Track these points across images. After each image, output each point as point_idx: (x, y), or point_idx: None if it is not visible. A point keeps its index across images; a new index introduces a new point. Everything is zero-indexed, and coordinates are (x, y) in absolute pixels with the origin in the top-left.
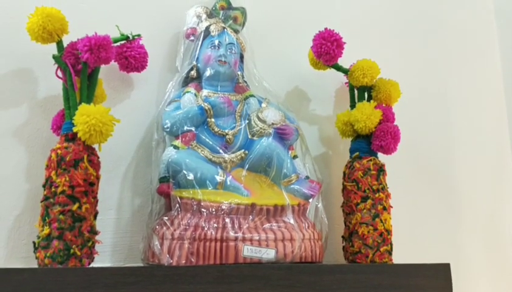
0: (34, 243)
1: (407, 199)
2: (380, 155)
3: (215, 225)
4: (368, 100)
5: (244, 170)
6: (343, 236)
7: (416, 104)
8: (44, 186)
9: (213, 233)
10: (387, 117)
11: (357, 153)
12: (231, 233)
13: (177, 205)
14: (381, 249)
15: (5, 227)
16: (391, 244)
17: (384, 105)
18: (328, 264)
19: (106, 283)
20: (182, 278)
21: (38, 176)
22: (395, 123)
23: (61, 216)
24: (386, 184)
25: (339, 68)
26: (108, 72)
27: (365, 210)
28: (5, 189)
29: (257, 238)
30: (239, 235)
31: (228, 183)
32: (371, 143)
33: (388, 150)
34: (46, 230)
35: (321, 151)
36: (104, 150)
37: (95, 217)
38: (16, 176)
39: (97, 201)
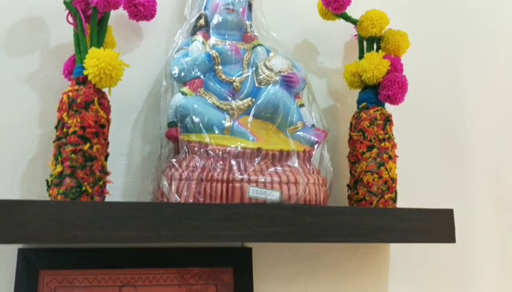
0: (47, 180)
1: (414, 150)
2: (387, 107)
3: (222, 167)
4: (377, 51)
5: (250, 117)
6: (348, 185)
7: (425, 56)
8: (56, 127)
9: (219, 174)
10: (395, 67)
11: (364, 103)
12: (237, 175)
13: (185, 148)
14: (385, 197)
15: (20, 170)
16: (395, 192)
17: (392, 56)
18: (331, 206)
19: (115, 217)
20: (190, 215)
21: (50, 122)
22: (403, 74)
23: (72, 155)
24: (392, 134)
25: (347, 18)
26: (118, 22)
27: (370, 159)
28: (19, 134)
29: (262, 180)
30: (245, 176)
31: (235, 128)
32: (378, 94)
33: (395, 100)
34: (58, 168)
35: (329, 104)
36: (114, 97)
37: (105, 158)
38: (29, 122)
39: (108, 143)
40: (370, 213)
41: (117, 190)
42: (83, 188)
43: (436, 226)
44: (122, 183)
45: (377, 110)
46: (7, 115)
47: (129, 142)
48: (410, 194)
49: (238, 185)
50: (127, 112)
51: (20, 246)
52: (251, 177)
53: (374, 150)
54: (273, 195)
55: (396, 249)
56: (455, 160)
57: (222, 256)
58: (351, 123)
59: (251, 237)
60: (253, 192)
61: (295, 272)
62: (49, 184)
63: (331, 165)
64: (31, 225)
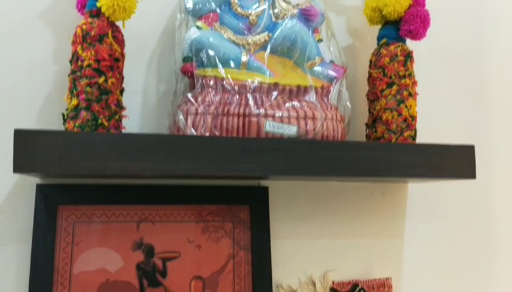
0: (63, 114)
1: (434, 88)
2: (409, 43)
3: (238, 101)
4: None
5: (267, 52)
6: (366, 124)
7: None
8: (70, 61)
9: (235, 108)
10: (417, 1)
11: (384, 40)
12: (254, 110)
13: (201, 83)
14: (405, 134)
15: (36, 107)
16: (415, 130)
17: None
18: (349, 141)
19: (133, 148)
20: (206, 147)
21: (65, 58)
22: (426, 8)
23: (88, 88)
24: (413, 71)
25: None
26: None
27: (390, 96)
28: (35, 71)
29: (279, 115)
30: (262, 111)
31: (252, 63)
32: (399, 29)
33: (417, 35)
34: (74, 102)
35: (348, 42)
36: (128, 34)
37: (121, 93)
38: (44, 58)
39: (123, 78)
40: (388, 149)
41: (132, 127)
42: (99, 121)
43: (456, 161)
44: (138, 120)
45: (398, 46)
46: (22, 52)
47: (144, 80)
48: (430, 133)
49: (254, 119)
50: (142, 50)
51: (38, 181)
52: (268, 112)
53: (394, 87)
54: (290, 130)
55: (414, 188)
56: (475, 98)
57: (238, 194)
58: (370, 61)
59: (267, 171)
60: (270, 127)
61: (311, 211)
62: (65, 117)
63: (349, 102)
64: (48, 156)
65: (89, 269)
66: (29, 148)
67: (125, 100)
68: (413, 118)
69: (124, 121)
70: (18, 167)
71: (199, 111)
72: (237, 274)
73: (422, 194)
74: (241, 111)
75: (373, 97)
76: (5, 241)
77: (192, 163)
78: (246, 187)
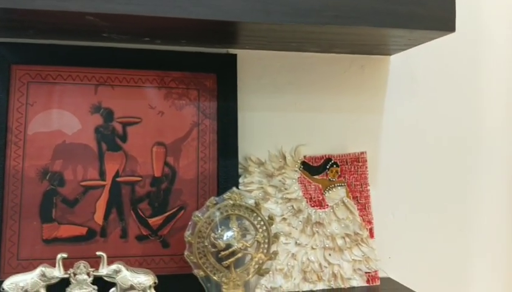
0: None
1: None
2: None
3: None
4: None
5: None
6: None
7: None
8: None
9: None
10: None
11: None
12: None
13: None
14: None
15: None
16: None
17: None
18: None
19: None
20: None
21: None
22: None
23: None
24: None
25: None
26: None
27: None
28: None
29: None
30: None
31: None
32: None
33: None
34: None
35: None
36: None
37: None
38: None
39: None
40: None
41: None
42: None
43: (437, 12)
44: None
45: None
46: None
47: None
48: None
49: None
50: None
51: None
52: None
53: None
54: None
55: (396, 62)
56: None
57: (205, 61)
58: None
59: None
60: None
61: (284, 84)
62: None
63: None
64: None
65: (45, 130)
66: None
67: None
68: None
69: None
70: None
71: None
72: (201, 141)
73: (406, 68)
74: None
75: None
76: None
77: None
78: (213, 54)
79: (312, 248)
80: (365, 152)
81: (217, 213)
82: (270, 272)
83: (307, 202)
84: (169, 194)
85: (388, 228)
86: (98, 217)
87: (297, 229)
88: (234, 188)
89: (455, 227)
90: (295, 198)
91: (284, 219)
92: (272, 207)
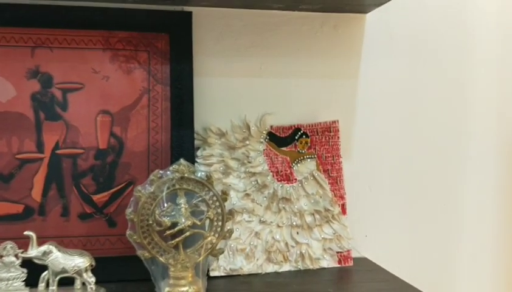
0: None
1: None
2: None
3: None
4: None
5: None
6: None
7: None
8: None
9: None
10: None
11: None
12: None
13: None
14: None
15: None
16: None
17: None
18: None
19: None
20: None
21: None
22: None
23: None
24: None
25: None
26: None
27: None
28: None
29: None
30: None
31: None
32: None
33: None
34: None
35: None
36: None
37: None
38: None
39: None
40: None
41: None
42: None
43: None
44: None
45: None
46: None
47: None
48: None
49: None
50: None
51: None
52: None
53: None
54: None
55: (372, 21)
56: None
57: (156, 20)
58: None
59: None
60: None
61: (247, 46)
62: None
63: None
64: None
65: None
66: None
67: None
68: None
69: None
70: None
71: None
72: (152, 110)
73: (382, 26)
74: None
75: None
76: None
77: None
78: (165, 11)
79: (278, 226)
80: (337, 121)
81: (163, 188)
82: (230, 252)
83: (273, 176)
84: (115, 168)
85: (364, 204)
86: (36, 193)
87: (261, 205)
88: (182, 160)
89: (439, 202)
90: (260, 172)
91: (248, 195)
92: (234, 182)
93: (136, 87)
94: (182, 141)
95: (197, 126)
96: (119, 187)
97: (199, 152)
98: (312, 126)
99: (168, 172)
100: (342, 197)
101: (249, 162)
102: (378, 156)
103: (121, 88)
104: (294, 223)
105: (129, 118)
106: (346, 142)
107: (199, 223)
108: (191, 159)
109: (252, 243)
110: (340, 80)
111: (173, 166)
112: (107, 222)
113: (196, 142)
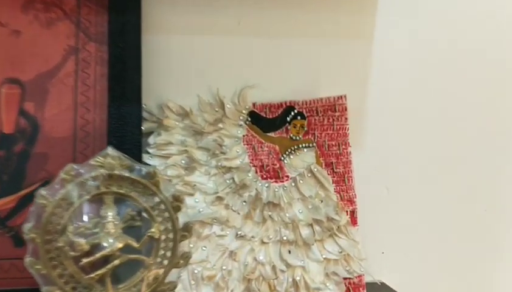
0: None
1: None
2: None
3: None
4: None
5: None
6: None
7: None
8: None
9: None
10: None
11: None
12: None
13: None
14: None
15: None
16: None
17: None
18: None
19: None
20: None
21: None
22: None
23: None
24: None
25: None
26: None
27: None
28: None
29: None
30: None
31: None
32: None
33: None
34: None
35: None
36: None
37: None
38: None
39: None
40: None
41: None
42: None
43: None
44: None
45: None
46: None
47: None
48: None
49: None
50: None
51: None
52: None
53: None
54: None
55: None
56: None
57: None
58: None
59: None
60: None
61: None
62: None
63: None
64: None
65: None
66: None
67: None
68: None
69: None
70: None
71: None
72: (82, 78)
73: None
74: None
75: None
76: None
77: None
78: None
79: (263, 242)
80: (345, 97)
81: (82, 192)
82: (193, 282)
83: (256, 172)
84: (26, 161)
85: (380, 210)
86: None
87: (239, 213)
88: (109, 149)
89: (479, 205)
90: (237, 167)
91: (220, 198)
92: (200, 180)
93: (59, 46)
94: (125, 122)
95: (149, 102)
96: (31, 188)
97: (151, 139)
98: (309, 103)
99: (89, 167)
100: (351, 201)
101: (223, 153)
102: (399, 144)
103: (38, 47)
104: (285, 238)
105: (48, 90)
106: (357, 126)
107: (136, 245)
108: (138, 148)
109: (224, 268)
110: (348, 41)
111: (96, 158)
112: (13, 240)
113: (147, 125)
